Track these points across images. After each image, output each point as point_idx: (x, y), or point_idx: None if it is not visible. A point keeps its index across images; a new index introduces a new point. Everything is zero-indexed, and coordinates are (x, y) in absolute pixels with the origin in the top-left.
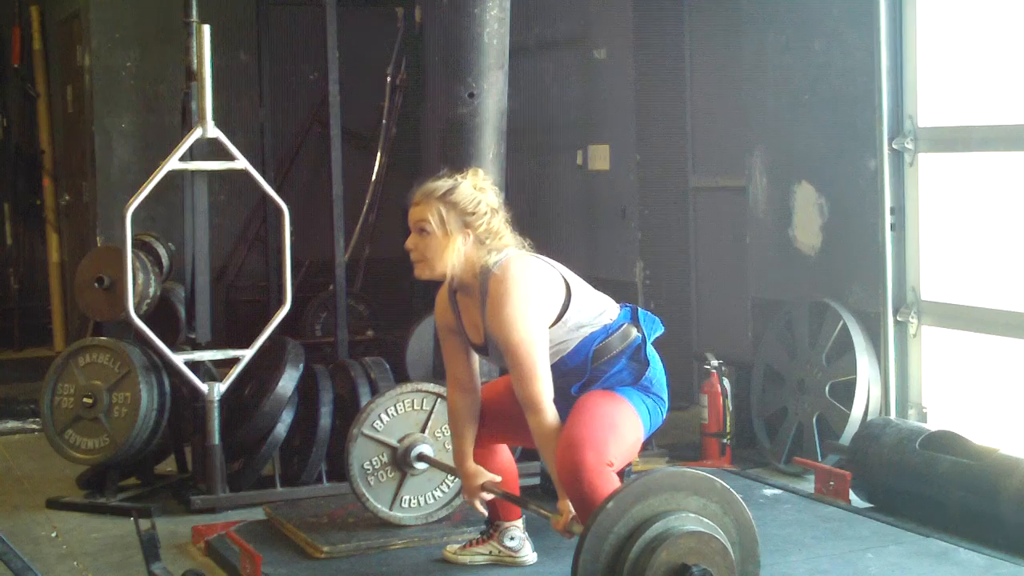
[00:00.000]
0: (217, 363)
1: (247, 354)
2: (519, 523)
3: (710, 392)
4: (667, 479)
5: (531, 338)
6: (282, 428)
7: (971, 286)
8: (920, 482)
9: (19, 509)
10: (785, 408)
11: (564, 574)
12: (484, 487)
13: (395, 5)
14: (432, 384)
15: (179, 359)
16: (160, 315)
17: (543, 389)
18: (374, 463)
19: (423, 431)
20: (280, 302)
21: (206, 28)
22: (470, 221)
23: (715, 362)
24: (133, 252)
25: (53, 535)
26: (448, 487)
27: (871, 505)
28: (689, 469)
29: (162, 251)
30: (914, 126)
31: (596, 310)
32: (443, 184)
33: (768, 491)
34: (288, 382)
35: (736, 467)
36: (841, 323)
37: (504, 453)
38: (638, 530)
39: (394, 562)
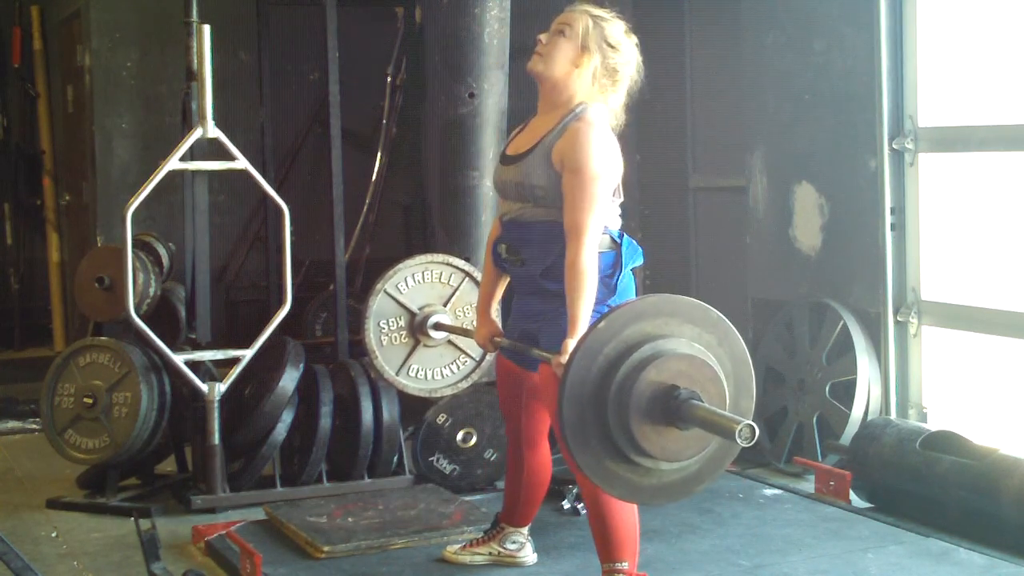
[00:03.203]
0: (217, 363)
1: (247, 354)
2: (524, 531)
3: None
4: (662, 304)
5: (603, 173)
6: (282, 428)
7: (971, 286)
8: (920, 482)
9: (19, 509)
10: (785, 408)
11: (564, 574)
12: (494, 339)
13: (395, 5)
14: (462, 261)
15: (179, 359)
16: (160, 315)
17: (593, 222)
18: (390, 324)
19: (445, 305)
20: (280, 302)
21: (206, 28)
22: (607, 52)
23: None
24: (133, 252)
25: (53, 535)
26: (457, 367)
27: (871, 505)
28: (685, 297)
29: (162, 251)
30: (914, 126)
31: (614, 218)
32: (603, 11)
33: (768, 491)
34: (288, 382)
35: (736, 467)
36: (841, 323)
37: (543, 454)
38: (628, 351)
39: (394, 562)
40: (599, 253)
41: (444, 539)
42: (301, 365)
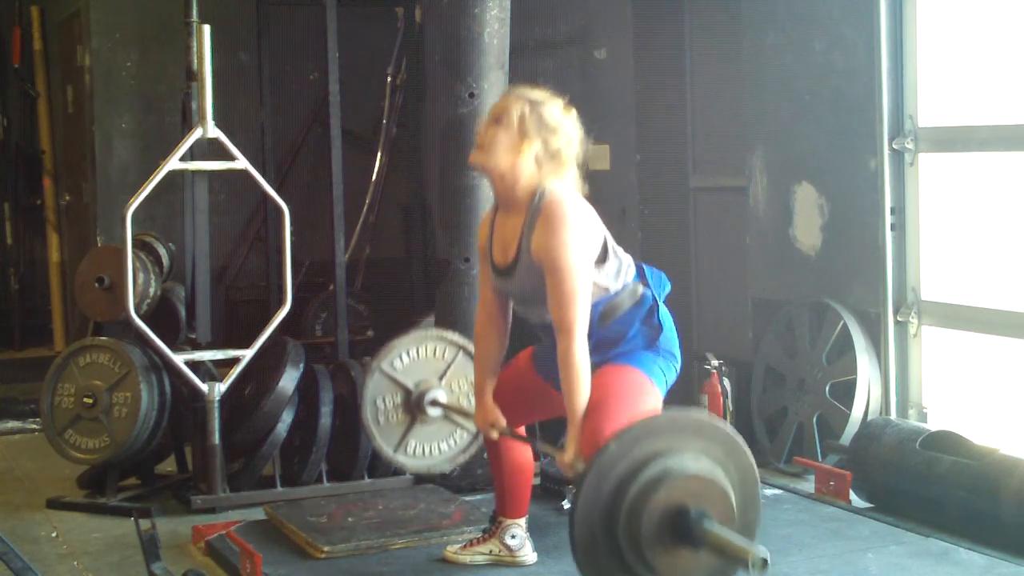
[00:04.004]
0: (217, 363)
1: (247, 354)
2: (522, 522)
3: (710, 392)
4: (669, 421)
5: (578, 264)
6: (282, 428)
7: (971, 286)
8: (920, 482)
9: (19, 509)
10: (785, 408)
11: (564, 574)
12: (495, 424)
13: (395, 5)
14: (456, 335)
15: (179, 359)
16: (160, 315)
17: (581, 315)
18: (387, 402)
19: (440, 380)
20: (280, 302)
21: (206, 28)
22: (547, 135)
23: (715, 362)
24: (133, 252)
25: (53, 535)
26: (455, 442)
27: (871, 505)
28: (692, 412)
29: (162, 251)
30: (914, 126)
31: (624, 272)
32: (537, 93)
33: (768, 491)
34: (288, 382)
35: None
36: (841, 323)
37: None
38: (638, 471)
39: (394, 562)
40: (632, 306)
41: (444, 539)
42: (301, 365)
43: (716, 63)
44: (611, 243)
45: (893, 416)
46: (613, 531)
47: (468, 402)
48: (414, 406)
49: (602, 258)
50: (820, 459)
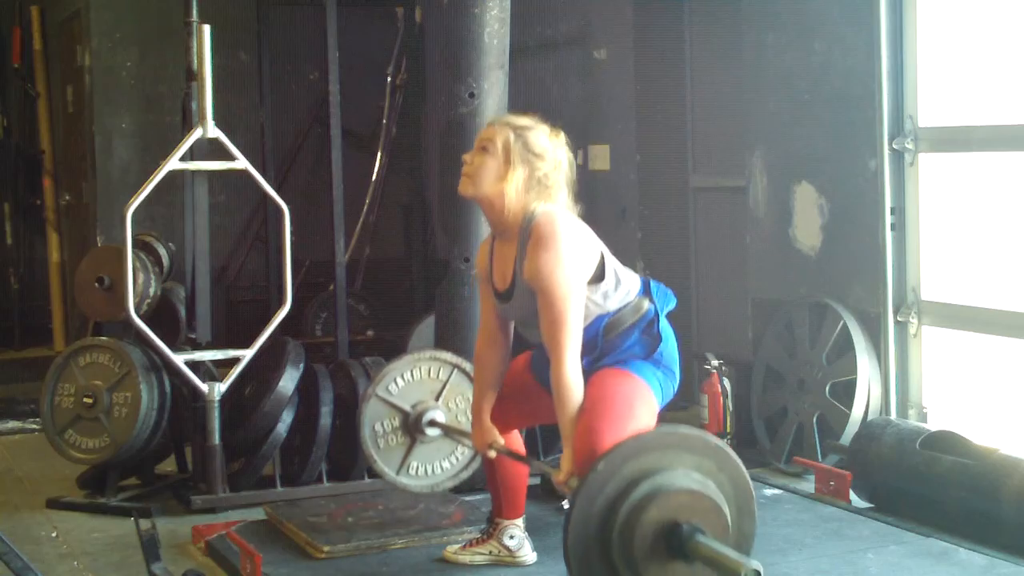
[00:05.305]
0: (217, 363)
1: (247, 354)
2: (519, 522)
3: (710, 392)
4: (658, 438)
5: (569, 285)
6: (282, 428)
7: (971, 286)
8: (920, 482)
9: (19, 509)
10: (785, 408)
11: (564, 574)
12: (492, 444)
13: (395, 5)
14: (450, 354)
15: (179, 359)
16: (160, 315)
17: (571, 337)
18: (385, 426)
19: (437, 400)
20: (280, 302)
21: (206, 28)
22: (533, 162)
23: (715, 362)
24: (133, 252)
25: (53, 535)
26: (456, 459)
27: (871, 505)
28: (682, 427)
29: (162, 251)
30: (914, 126)
31: (623, 289)
32: (523, 120)
33: (768, 491)
34: (288, 382)
35: None
36: (841, 323)
37: (517, 442)
38: (628, 489)
39: (394, 562)
40: (637, 322)
41: (444, 539)
42: (301, 365)
43: (716, 63)
44: (610, 261)
45: (893, 416)
46: (607, 551)
47: (466, 419)
48: (412, 427)
49: (598, 276)
50: (820, 459)
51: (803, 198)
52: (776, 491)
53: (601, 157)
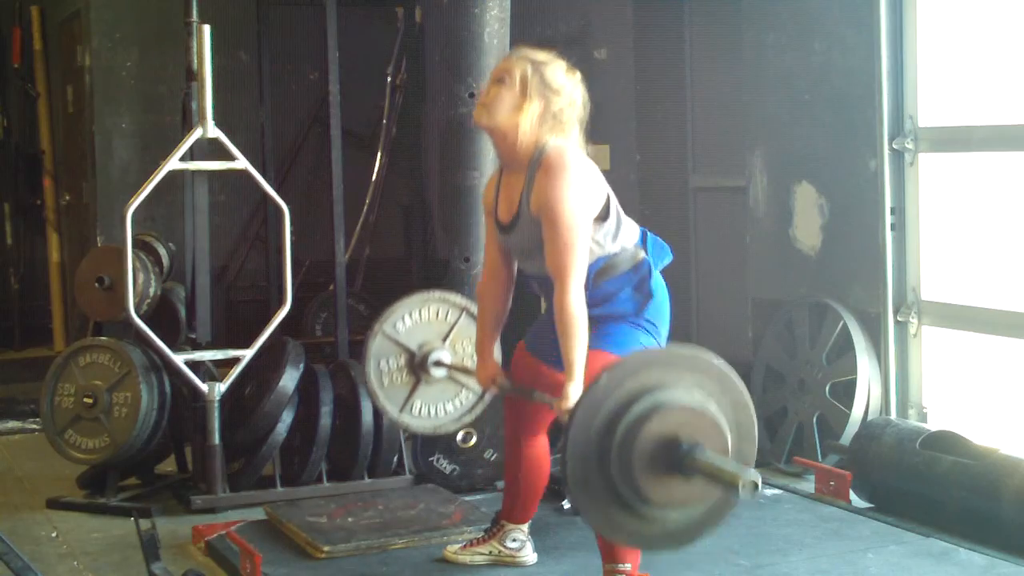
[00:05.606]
0: (217, 363)
1: (247, 354)
2: (524, 527)
3: None
4: (663, 356)
5: (576, 213)
6: (282, 428)
7: (971, 286)
8: (920, 482)
9: (19, 509)
10: (785, 408)
11: (564, 574)
12: (496, 380)
13: (395, 5)
14: (459, 297)
15: (179, 359)
16: (160, 315)
17: (576, 264)
18: (390, 364)
19: (444, 341)
20: (280, 302)
21: (206, 28)
22: (549, 96)
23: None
24: (133, 252)
25: (53, 535)
26: (460, 402)
27: (871, 505)
28: (687, 347)
29: (162, 251)
30: (914, 126)
31: (623, 234)
32: (541, 54)
33: (768, 491)
34: (288, 382)
35: None
36: (841, 323)
37: (542, 445)
38: (629, 403)
39: (394, 562)
40: (627, 271)
41: (444, 539)
42: (301, 365)
43: (716, 63)
44: (615, 203)
45: (893, 416)
46: (605, 465)
47: (472, 363)
48: (418, 367)
49: (603, 216)
50: (820, 459)
51: (803, 198)
52: (776, 491)
53: (601, 157)
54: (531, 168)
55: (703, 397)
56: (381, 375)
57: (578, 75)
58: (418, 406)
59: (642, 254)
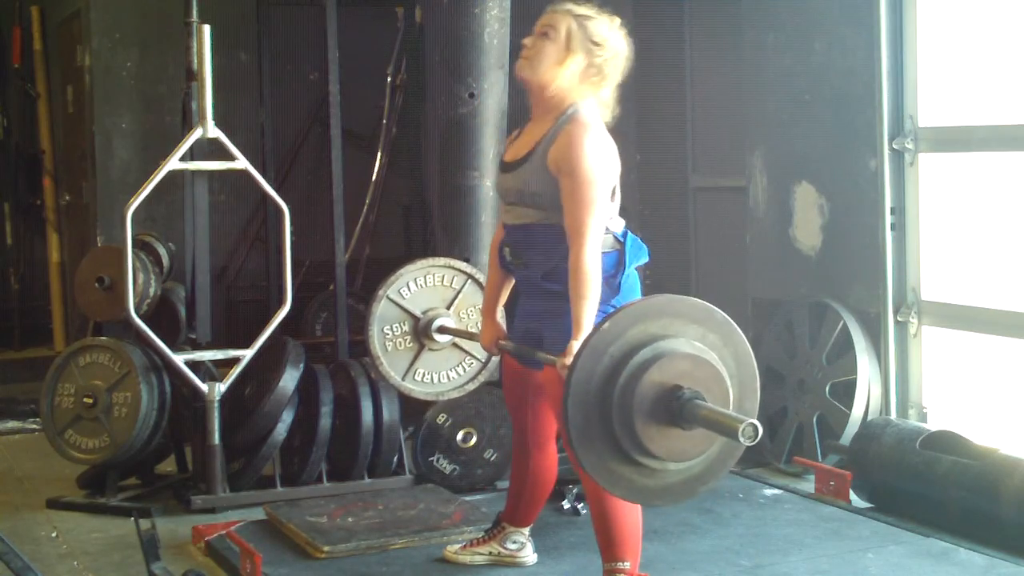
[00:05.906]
0: (217, 363)
1: (247, 354)
2: (526, 531)
3: None
4: (667, 304)
5: (599, 172)
6: (282, 428)
7: (971, 286)
8: (920, 482)
9: (19, 509)
10: (785, 408)
11: (564, 574)
12: (500, 342)
13: (395, 5)
14: (465, 263)
15: (179, 359)
16: (160, 315)
17: (594, 223)
18: (394, 329)
19: (448, 308)
20: (280, 302)
21: (206, 28)
22: (592, 50)
23: None
24: (133, 252)
25: (53, 535)
26: (463, 370)
27: (871, 505)
28: (690, 298)
29: (162, 251)
30: (914, 126)
31: (614, 224)
32: (585, 8)
33: (768, 491)
34: (288, 382)
35: (736, 467)
36: (841, 323)
37: (551, 455)
38: (632, 352)
39: (394, 562)
40: (602, 254)
41: (444, 539)
42: (301, 365)
43: (716, 63)
44: (618, 191)
45: (893, 416)
46: (607, 414)
47: (477, 330)
48: (422, 333)
49: (611, 194)
50: (820, 459)
51: (803, 198)
52: (776, 491)
53: None
54: (560, 122)
55: (706, 348)
56: (384, 340)
57: (622, 29)
58: (421, 372)
59: (617, 246)
